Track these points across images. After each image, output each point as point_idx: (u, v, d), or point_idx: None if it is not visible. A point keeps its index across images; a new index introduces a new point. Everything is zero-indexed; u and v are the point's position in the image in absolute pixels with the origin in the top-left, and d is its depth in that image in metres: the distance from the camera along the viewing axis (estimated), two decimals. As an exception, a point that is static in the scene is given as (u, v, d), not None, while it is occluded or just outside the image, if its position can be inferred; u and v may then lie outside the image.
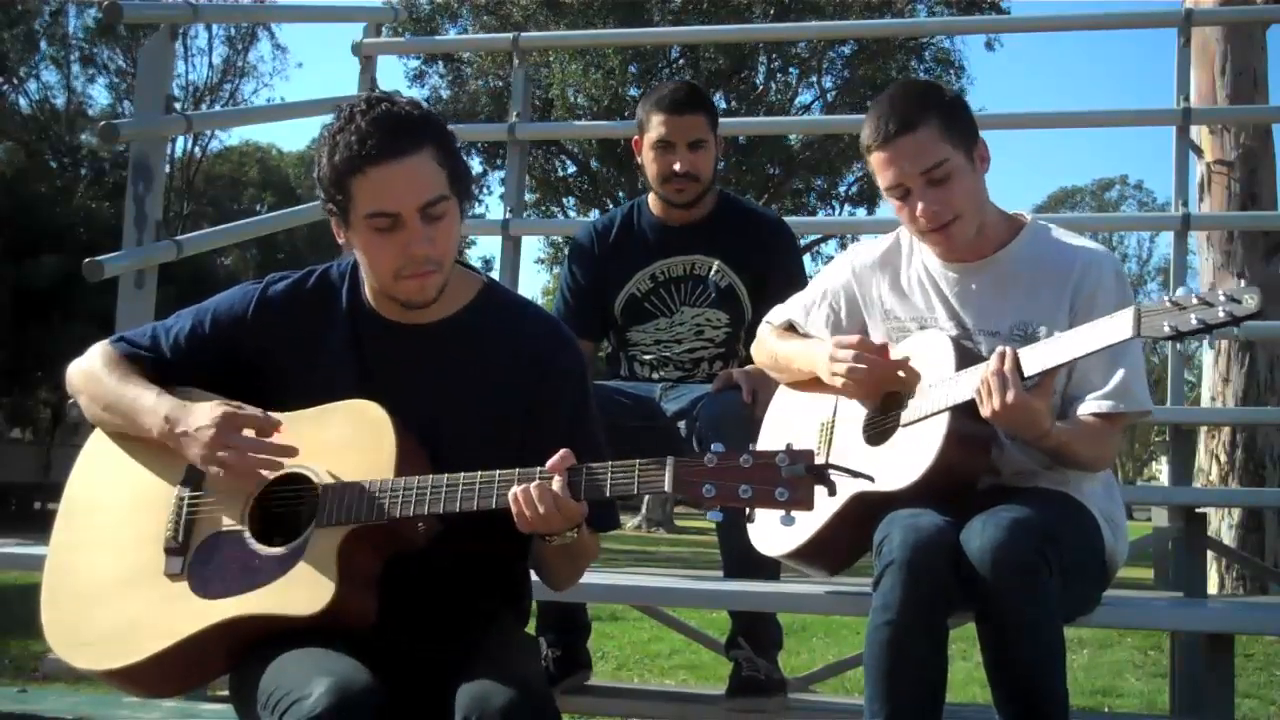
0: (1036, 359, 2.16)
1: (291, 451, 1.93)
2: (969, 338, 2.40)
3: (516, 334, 2.07)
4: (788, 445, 1.76)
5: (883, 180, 2.36)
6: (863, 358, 2.36)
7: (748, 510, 1.76)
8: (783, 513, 1.74)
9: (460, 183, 1.97)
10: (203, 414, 1.94)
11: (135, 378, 2.04)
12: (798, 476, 1.72)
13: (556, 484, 1.83)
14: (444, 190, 1.93)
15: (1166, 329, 1.96)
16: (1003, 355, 2.16)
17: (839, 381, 2.39)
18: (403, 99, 1.97)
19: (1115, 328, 2.05)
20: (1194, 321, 1.93)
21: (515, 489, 1.83)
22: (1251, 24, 7.32)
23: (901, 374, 2.34)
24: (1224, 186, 7.31)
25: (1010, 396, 2.13)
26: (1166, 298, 1.99)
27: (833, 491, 1.77)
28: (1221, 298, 1.92)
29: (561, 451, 1.85)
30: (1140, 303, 2.05)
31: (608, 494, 1.83)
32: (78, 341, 2.15)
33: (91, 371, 2.08)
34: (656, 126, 3.22)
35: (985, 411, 2.17)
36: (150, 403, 1.99)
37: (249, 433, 1.93)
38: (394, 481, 1.88)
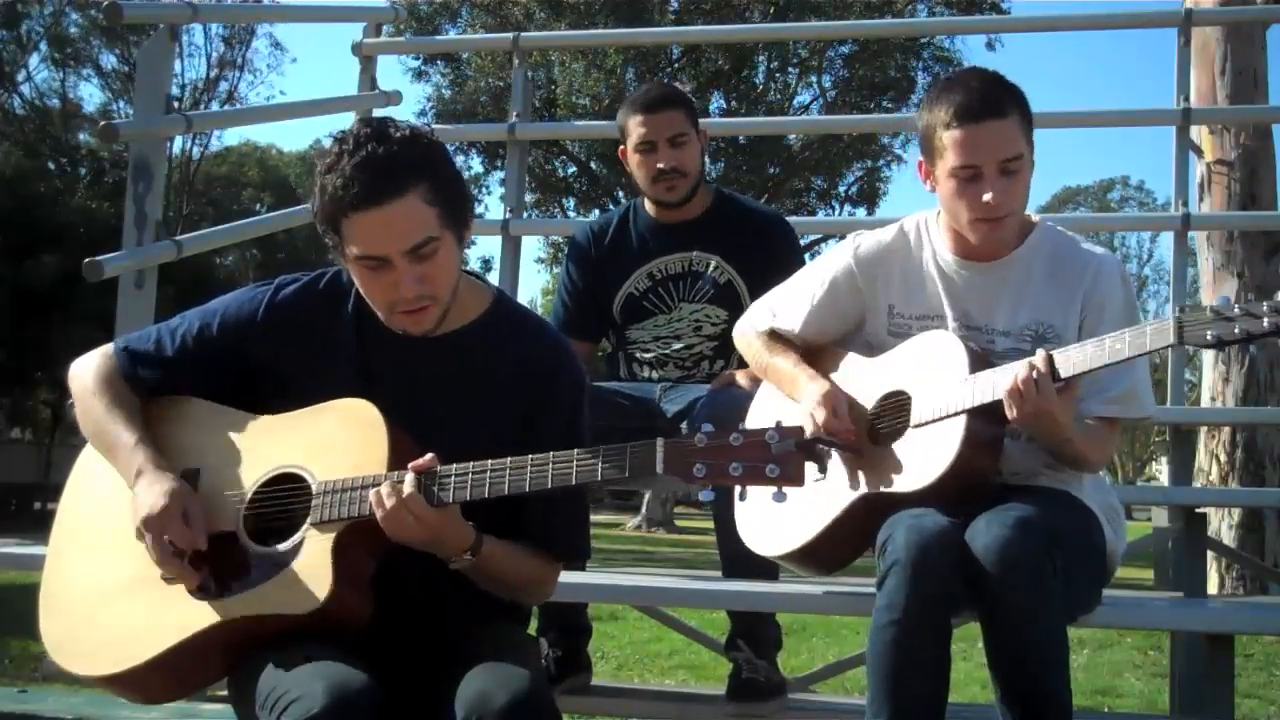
0: (1071, 363, 2.16)
1: (190, 582, 1.90)
2: (980, 336, 2.40)
3: (522, 351, 2.07)
4: (777, 422, 1.76)
5: (955, 158, 2.30)
6: (836, 427, 2.33)
7: (739, 489, 1.76)
8: (775, 489, 1.75)
9: (454, 216, 1.94)
10: (151, 494, 1.90)
11: (121, 410, 2.02)
12: (788, 452, 1.73)
13: (408, 484, 1.82)
14: (433, 231, 1.90)
15: (1209, 337, 1.96)
16: (1033, 363, 2.15)
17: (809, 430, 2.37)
18: (397, 131, 1.92)
19: (1157, 335, 2.05)
20: (1237, 331, 1.94)
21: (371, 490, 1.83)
22: (1251, 24, 7.32)
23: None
24: (1224, 186, 7.31)
25: (1043, 401, 2.13)
26: (1208, 306, 1.99)
27: (823, 467, 1.77)
28: (1265, 309, 1.93)
29: (428, 455, 1.85)
30: (1180, 313, 2.03)
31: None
32: (78, 342, 2.15)
33: (84, 391, 2.07)
34: (636, 129, 3.24)
35: (1013, 414, 2.16)
36: (126, 450, 1.98)
37: (174, 532, 1.88)
38: (383, 476, 1.87)
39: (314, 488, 1.91)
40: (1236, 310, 1.94)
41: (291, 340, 2.05)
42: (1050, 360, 2.15)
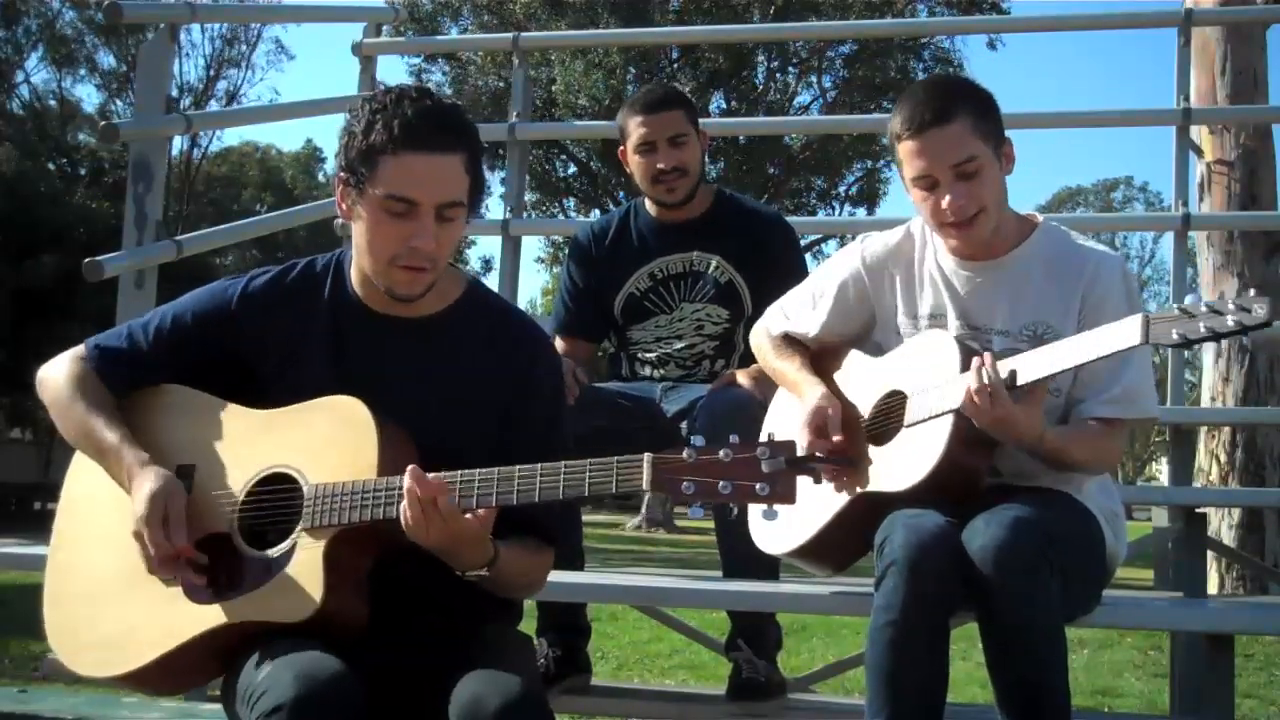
0: (1035, 366, 2.15)
1: (185, 584, 1.90)
2: (980, 337, 2.40)
3: (499, 337, 2.08)
4: (769, 436, 1.74)
5: (911, 170, 2.35)
6: (826, 430, 2.35)
7: (731, 506, 1.74)
8: (765, 507, 1.71)
9: (476, 194, 2.00)
10: (144, 490, 1.90)
11: (101, 413, 2.01)
12: (778, 470, 1.70)
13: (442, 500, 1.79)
14: (462, 197, 1.96)
15: (1175, 336, 1.95)
16: (980, 368, 2.14)
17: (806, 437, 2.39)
18: (448, 101, 2.03)
19: (1123, 334, 2.04)
20: (1203, 329, 1.92)
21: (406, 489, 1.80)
22: (1251, 24, 7.32)
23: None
24: (1224, 186, 7.30)
25: (998, 410, 2.12)
26: (1175, 305, 1.98)
27: (817, 480, 1.75)
28: (1231, 306, 1.91)
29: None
30: (1149, 310, 2.04)
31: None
32: (78, 342, 2.13)
33: (59, 395, 2.05)
34: (636, 129, 3.24)
35: (977, 423, 2.17)
36: (113, 453, 1.97)
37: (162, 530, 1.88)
38: (376, 482, 1.86)
39: (305, 491, 1.90)
40: (1203, 308, 1.93)
41: (266, 328, 2.05)
42: (994, 367, 2.13)
